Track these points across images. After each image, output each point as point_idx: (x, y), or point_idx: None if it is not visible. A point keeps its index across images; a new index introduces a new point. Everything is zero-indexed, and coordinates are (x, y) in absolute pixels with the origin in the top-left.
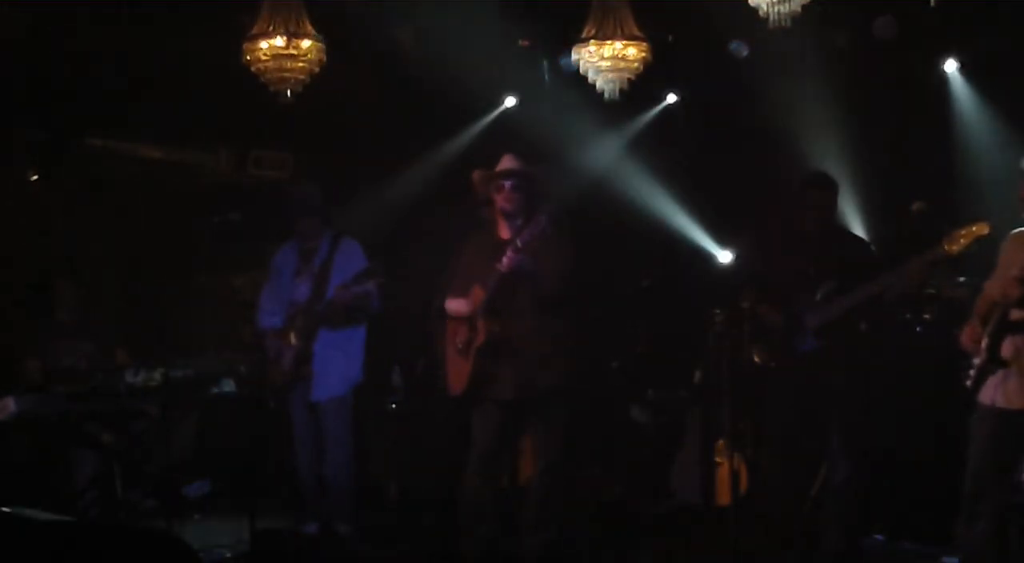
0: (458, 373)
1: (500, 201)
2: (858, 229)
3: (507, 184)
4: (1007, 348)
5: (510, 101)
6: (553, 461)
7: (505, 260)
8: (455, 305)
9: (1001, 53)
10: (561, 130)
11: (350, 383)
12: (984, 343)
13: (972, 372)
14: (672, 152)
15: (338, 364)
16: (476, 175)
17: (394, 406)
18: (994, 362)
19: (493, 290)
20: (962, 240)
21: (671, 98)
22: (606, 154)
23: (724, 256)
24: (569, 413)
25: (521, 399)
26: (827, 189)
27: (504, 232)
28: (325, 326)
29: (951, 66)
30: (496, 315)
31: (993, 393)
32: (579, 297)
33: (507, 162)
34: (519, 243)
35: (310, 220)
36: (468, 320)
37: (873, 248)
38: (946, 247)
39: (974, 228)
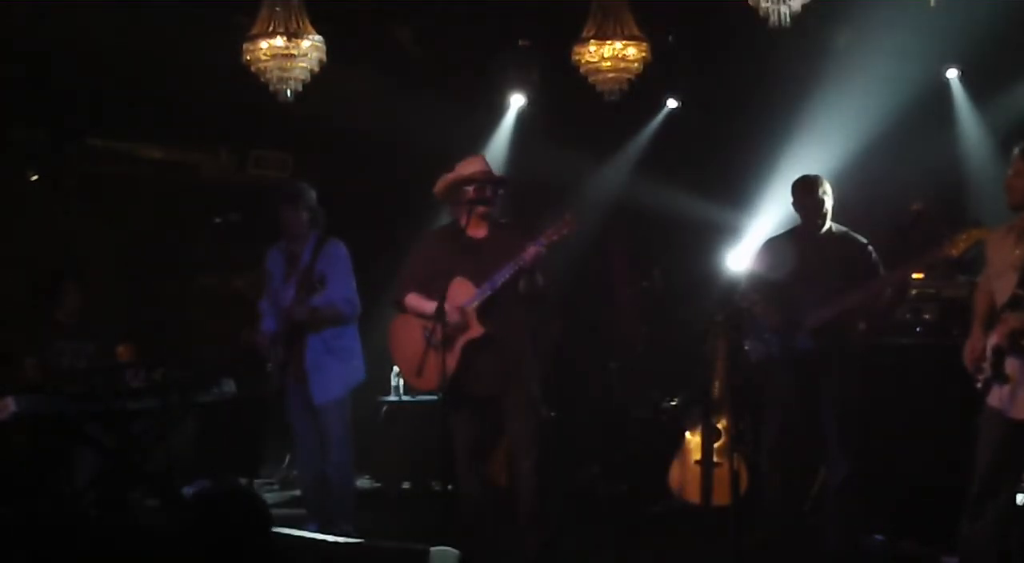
0: (433, 367)
1: (485, 204)
2: (858, 229)
3: (489, 189)
4: (1011, 366)
5: (517, 101)
6: (537, 457)
7: (530, 255)
8: (416, 302)
9: (1001, 60)
10: (564, 131)
11: (347, 385)
12: (989, 359)
13: (981, 376)
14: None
15: (331, 368)
16: (448, 179)
17: (394, 406)
18: (999, 378)
19: (499, 286)
20: (962, 244)
21: (672, 103)
22: (608, 156)
23: (726, 256)
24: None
25: (498, 394)
26: (809, 188)
27: (475, 231)
28: (309, 331)
29: (952, 73)
30: (492, 311)
31: (1003, 401)
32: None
33: (480, 164)
34: (544, 240)
35: (293, 212)
36: (443, 315)
37: (872, 249)
38: (947, 250)
39: (974, 232)
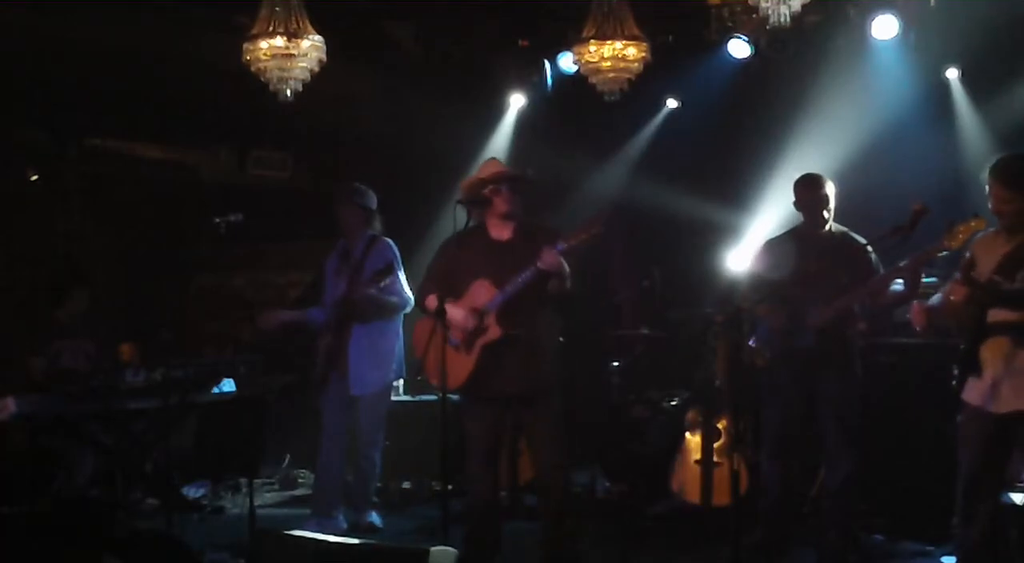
0: (457, 367)
1: (499, 204)
2: (858, 229)
3: (504, 188)
4: (989, 350)
5: (517, 101)
6: (564, 455)
7: (547, 260)
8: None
9: (1001, 60)
10: (564, 131)
11: (384, 383)
12: (960, 355)
13: (956, 372)
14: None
15: (370, 363)
16: (467, 182)
17: (394, 406)
18: (972, 370)
19: (518, 288)
20: (961, 235)
21: (672, 103)
22: (608, 156)
23: (726, 256)
24: (564, 408)
25: (522, 394)
26: (814, 185)
27: (499, 233)
28: (356, 321)
29: (952, 73)
30: (512, 313)
31: (982, 397)
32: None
33: (495, 166)
34: (563, 244)
35: (347, 210)
36: (473, 315)
37: (871, 250)
38: (946, 242)
39: (972, 223)
